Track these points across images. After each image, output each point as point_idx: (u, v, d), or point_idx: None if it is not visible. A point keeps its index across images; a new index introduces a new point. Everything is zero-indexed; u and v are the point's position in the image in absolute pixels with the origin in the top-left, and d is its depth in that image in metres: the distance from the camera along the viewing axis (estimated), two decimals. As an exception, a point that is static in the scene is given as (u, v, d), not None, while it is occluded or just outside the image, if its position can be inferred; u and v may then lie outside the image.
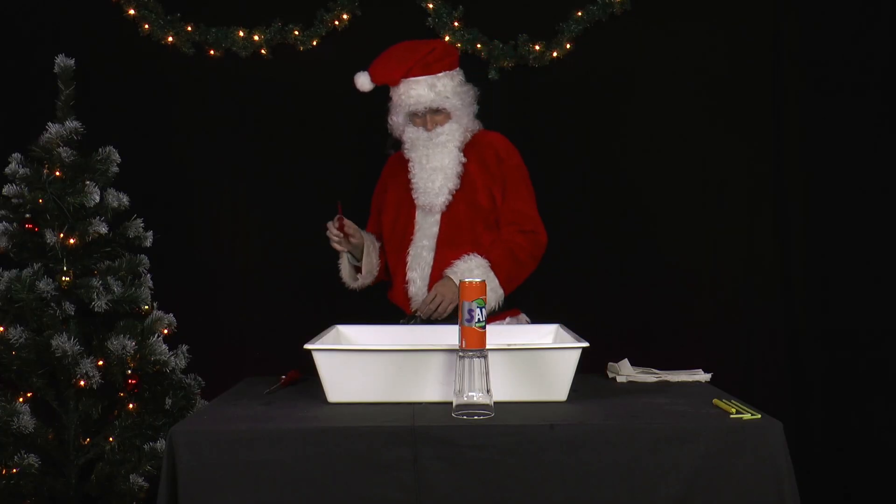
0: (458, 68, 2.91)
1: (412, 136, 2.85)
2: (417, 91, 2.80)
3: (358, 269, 2.92)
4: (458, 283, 2.64)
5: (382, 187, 3.01)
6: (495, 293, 2.73)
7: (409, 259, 2.83)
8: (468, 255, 2.75)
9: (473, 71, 3.42)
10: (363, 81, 2.87)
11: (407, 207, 2.86)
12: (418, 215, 2.84)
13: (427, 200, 2.80)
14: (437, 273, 2.78)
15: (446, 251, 2.78)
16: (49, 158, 2.91)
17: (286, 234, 3.61)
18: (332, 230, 2.77)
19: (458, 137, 2.83)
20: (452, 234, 2.80)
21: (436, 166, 2.79)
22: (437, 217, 2.81)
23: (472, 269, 2.71)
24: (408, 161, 2.86)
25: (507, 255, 2.76)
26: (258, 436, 1.82)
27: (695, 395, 2.15)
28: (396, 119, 2.89)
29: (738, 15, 3.55)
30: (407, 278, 2.81)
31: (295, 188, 3.60)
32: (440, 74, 2.83)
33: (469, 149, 2.86)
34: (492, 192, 2.83)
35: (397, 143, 2.95)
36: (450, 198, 2.80)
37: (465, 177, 2.82)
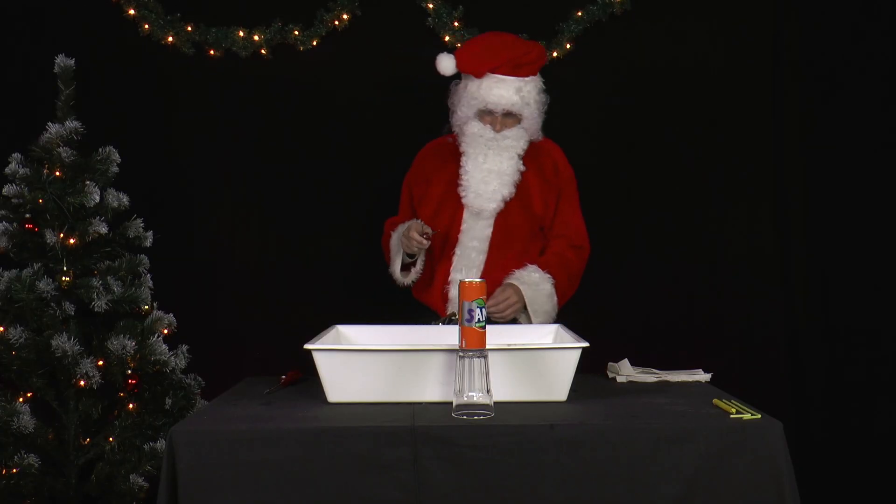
0: (539, 74, 2.78)
1: (476, 132, 2.70)
2: (501, 91, 2.66)
3: (408, 266, 2.79)
4: (525, 294, 2.63)
5: (422, 177, 2.85)
6: (553, 311, 2.68)
7: (454, 259, 2.72)
8: (530, 265, 2.67)
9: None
10: (447, 65, 2.72)
11: (452, 204, 2.74)
12: (467, 214, 2.72)
13: (478, 204, 2.69)
14: (488, 278, 2.61)
15: (498, 255, 2.71)
16: (49, 158, 2.91)
17: (286, 234, 3.61)
18: (419, 239, 2.61)
19: (522, 145, 2.72)
20: (505, 239, 2.72)
21: (492, 169, 2.68)
22: (491, 219, 2.71)
23: (537, 283, 2.64)
24: (461, 154, 2.73)
25: (563, 272, 2.72)
26: (258, 436, 1.82)
27: (695, 395, 2.16)
28: (465, 111, 2.72)
29: (738, 15, 3.55)
30: (450, 279, 2.72)
31: (295, 188, 3.60)
32: (528, 79, 2.71)
33: (528, 156, 2.76)
34: (546, 200, 2.76)
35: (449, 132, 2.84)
36: (502, 204, 2.69)
37: (521, 182, 2.73)
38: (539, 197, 2.75)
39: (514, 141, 2.70)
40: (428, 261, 2.81)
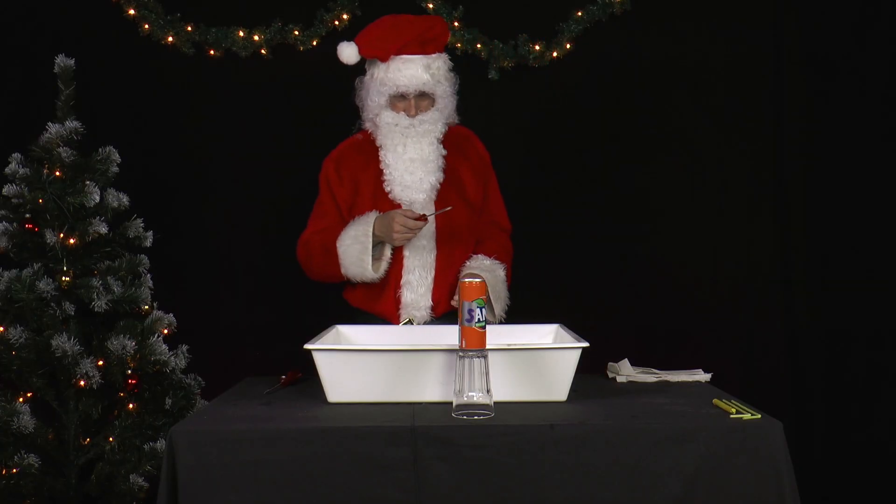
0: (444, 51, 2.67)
1: (390, 122, 2.58)
2: (411, 71, 2.54)
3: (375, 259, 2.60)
4: (487, 281, 2.43)
5: (347, 179, 2.67)
6: (507, 296, 2.63)
7: (405, 261, 2.59)
8: (476, 255, 2.61)
9: (473, 71, 3.43)
10: (350, 53, 2.62)
11: (388, 204, 2.59)
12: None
13: (406, 196, 2.56)
14: (442, 273, 2.61)
15: (447, 250, 2.62)
16: (49, 158, 2.91)
17: (286, 234, 3.60)
18: (413, 224, 2.46)
19: (440, 128, 2.60)
20: (451, 232, 2.61)
21: (414, 157, 2.56)
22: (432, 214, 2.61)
23: (492, 269, 2.57)
24: (377, 149, 2.61)
25: (506, 256, 2.68)
26: (258, 436, 1.82)
27: (695, 395, 2.15)
28: (376, 99, 2.59)
29: (738, 15, 3.55)
30: (402, 282, 2.60)
31: (295, 188, 3.58)
32: (434, 56, 2.60)
33: (448, 142, 2.65)
34: (477, 187, 2.68)
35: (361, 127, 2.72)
36: (433, 193, 2.58)
37: (452, 171, 2.64)
38: (471, 184, 2.67)
39: (432, 125, 2.58)
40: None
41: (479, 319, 1.90)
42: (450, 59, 2.68)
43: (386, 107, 2.59)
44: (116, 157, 3.01)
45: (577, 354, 2.03)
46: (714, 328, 3.57)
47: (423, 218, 2.48)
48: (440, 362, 2.01)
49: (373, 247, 2.55)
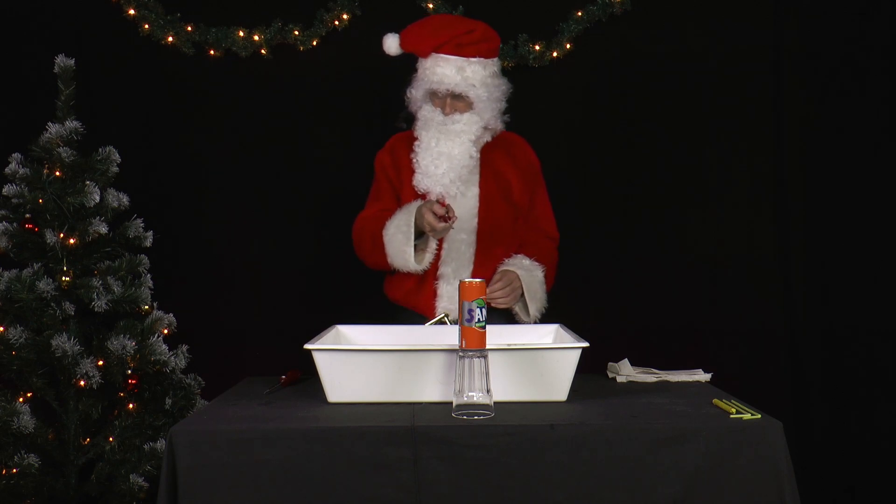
0: (495, 58, 2.72)
1: (426, 116, 2.68)
2: (444, 70, 2.62)
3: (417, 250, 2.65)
4: (523, 279, 2.61)
5: (403, 165, 2.75)
6: (545, 299, 2.69)
7: (443, 254, 2.65)
8: (517, 254, 2.67)
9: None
10: (391, 44, 2.71)
11: (413, 193, 2.68)
12: (451, 206, 2.61)
13: (425, 184, 2.63)
14: (479, 268, 2.66)
15: (487, 248, 2.68)
16: (49, 158, 2.91)
17: (286, 234, 3.61)
18: (433, 221, 2.49)
19: (474, 130, 2.66)
20: (492, 231, 2.69)
21: (442, 151, 2.62)
22: (475, 209, 2.68)
23: (530, 269, 2.64)
24: (415, 140, 2.69)
25: (548, 261, 2.73)
26: (258, 436, 1.82)
27: (695, 395, 2.16)
28: (416, 93, 2.71)
29: (738, 15, 3.55)
30: (439, 273, 2.66)
31: (294, 187, 3.60)
32: (472, 59, 2.64)
33: (497, 147, 2.75)
34: (524, 192, 2.75)
35: (410, 118, 2.80)
36: (453, 189, 2.64)
37: (499, 173, 2.72)
38: (518, 188, 2.74)
39: (466, 126, 2.64)
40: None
41: (479, 319, 1.90)
42: (496, 66, 2.72)
43: (426, 101, 2.69)
44: (116, 157, 3.01)
45: (577, 354, 2.03)
46: (714, 328, 3.56)
47: (447, 217, 2.49)
48: (440, 362, 2.01)
49: (418, 237, 2.61)
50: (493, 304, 2.59)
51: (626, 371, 2.37)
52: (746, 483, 1.81)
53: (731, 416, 1.90)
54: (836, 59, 3.52)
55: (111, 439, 2.92)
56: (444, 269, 2.66)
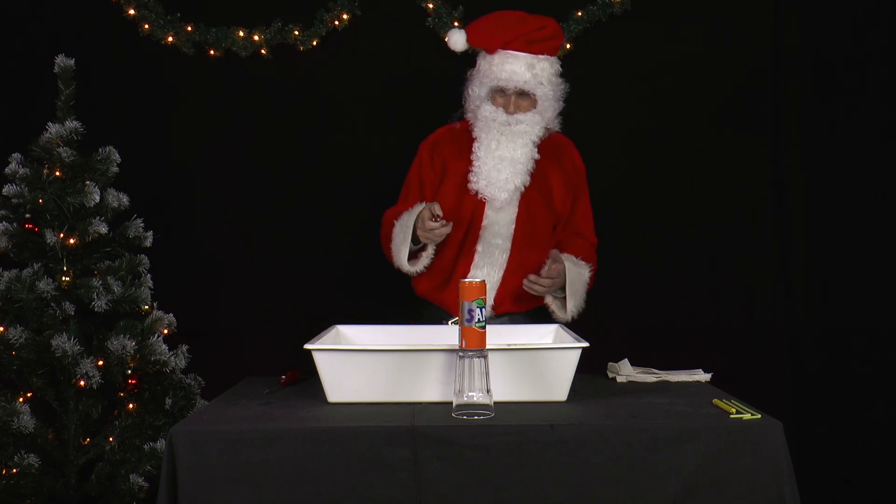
0: (556, 56, 2.67)
1: (488, 115, 2.58)
2: (514, 67, 2.55)
3: (415, 254, 2.63)
4: (569, 272, 2.54)
5: (438, 164, 2.69)
6: (583, 300, 2.62)
7: (476, 256, 2.61)
8: (573, 256, 2.60)
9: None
10: (457, 39, 2.63)
11: (473, 196, 2.61)
12: (489, 209, 2.61)
13: (489, 192, 2.57)
14: (511, 274, 2.61)
15: (522, 253, 2.63)
16: (49, 158, 2.91)
17: (286, 234, 3.61)
18: (440, 228, 2.46)
19: (536, 131, 2.59)
20: (529, 235, 2.63)
21: (504, 156, 2.55)
22: (514, 214, 2.62)
23: (579, 266, 2.59)
24: (473, 140, 2.61)
25: (592, 263, 2.69)
26: (258, 436, 1.82)
27: (695, 395, 2.16)
28: (477, 91, 2.61)
29: (738, 15, 3.55)
30: (470, 274, 2.62)
31: (294, 187, 3.60)
32: (541, 56, 2.58)
33: (544, 149, 2.65)
34: (565, 198, 2.69)
35: (460, 114, 2.73)
36: (516, 194, 2.58)
37: (542, 177, 2.64)
38: (559, 194, 2.68)
39: (529, 126, 2.58)
40: (444, 257, 2.66)
41: (479, 319, 1.90)
42: (558, 64, 2.67)
43: (486, 99, 2.60)
44: (116, 157, 3.01)
45: (577, 354, 2.03)
46: (714, 328, 3.56)
47: (440, 218, 2.47)
48: (440, 362, 2.01)
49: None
50: (529, 288, 2.53)
51: (626, 371, 2.37)
52: (746, 483, 1.81)
53: (731, 416, 1.90)
54: (837, 60, 3.52)
55: (111, 439, 2.92)
56: (475, 272, 2.62)
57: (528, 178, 2.59)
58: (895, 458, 3.44)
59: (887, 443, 3.45)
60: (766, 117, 3.58)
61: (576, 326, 2.36)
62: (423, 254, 2.61)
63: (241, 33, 3.51)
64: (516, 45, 2.56)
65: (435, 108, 3.49)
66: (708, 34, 3.56)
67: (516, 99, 2.58)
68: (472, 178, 2.59)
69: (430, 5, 3.50)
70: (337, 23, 3.53)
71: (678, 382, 2.33)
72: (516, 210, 2.63)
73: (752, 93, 3.57)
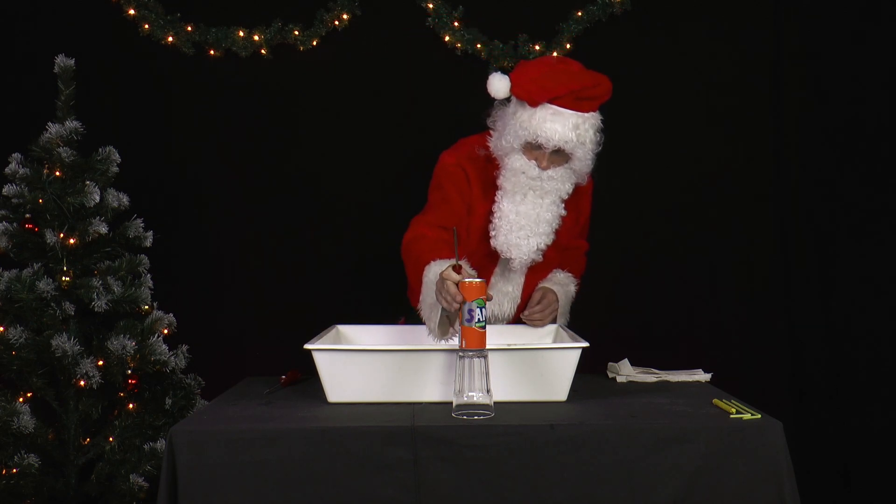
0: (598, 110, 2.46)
1: (517, 167, 2.37)
2: (556, 126, 2.32)
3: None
4: (560, 298, 2.50)
5: (468, 196, 2.47)
6: (565, 318, 2.55)
7: (492, 280, 2.51)
8: (556, 270, 2.57)
9: (474, 71, 3.43)
10: (500, 87, 2.36)
11: (488, 251, 2.46)
12: (502, 260, 2.50)
13: (507, 252, 2.40)
14: (525, 297, 2.55)
15: (532, 281, 2.56)
16: (49, 158, 2.91)
17: (286, 234, 3.61)
18: (452, 295, 1.99)
19: (567, 188, 2.42)
20: (538, 267, 2.52)
21: (529, 213, 2.38)
22: (523, 272, 2.54)
23: (565, 284, 2.55)
24: (496, 178, 2.41)
25: (579, 273, 2.68)
26: (258, 436, 1.82)
27: (695, 395, 2.16)
28: (510, 140, 2.37)
29: (738, 15, 3.55)
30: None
31: (294, 187, 3.59)
32: (588, 115, 2.40)
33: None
34: (571, 230, 2.58)
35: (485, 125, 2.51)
36: (539, 256, 2.42)
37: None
38: (566, 229, 2.53)
39: (560, 183, 2.40)
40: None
41: (479, 319, 1.90)
42: (601, 120, 2.48)
43: (518, 151, 2.38)
44: (116, 157, 3.01)
45: (577, 354, 2.03)
46: (714, 328, 3.57)
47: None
48: (440, 362, 2.01)
49: None
50: (530, 324, 2.47)
51: (626, 371, 2.37)
52: (746, 483, 1.82)
53: (731, 416, 1.90)
54: (837, 60, 3.52)
55: (111, 439, 2.92)
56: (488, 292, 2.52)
57: (553, 238, 2.43)
58: (895, 458, 3.44)
59: (887, 443, 3.45)
60: (765, 117, 3.58)
61: (576, 326, 2.36)
62: (451, 329, 2.19)
63: (241, 33, 3.51)
64: (564, 101, 2.34)
65: (435, 108, 3.51)
66: (708, 35, 3.56)
67: (551, 155, 2.37)
68: (492, 231, 2.42)
69: (430, 5, 3.50)
70: (337, 23, 3.53)
71: (678, 382, 2.33)
72: (525, 268, 2.52)
73: (752, 93, 3.57)
